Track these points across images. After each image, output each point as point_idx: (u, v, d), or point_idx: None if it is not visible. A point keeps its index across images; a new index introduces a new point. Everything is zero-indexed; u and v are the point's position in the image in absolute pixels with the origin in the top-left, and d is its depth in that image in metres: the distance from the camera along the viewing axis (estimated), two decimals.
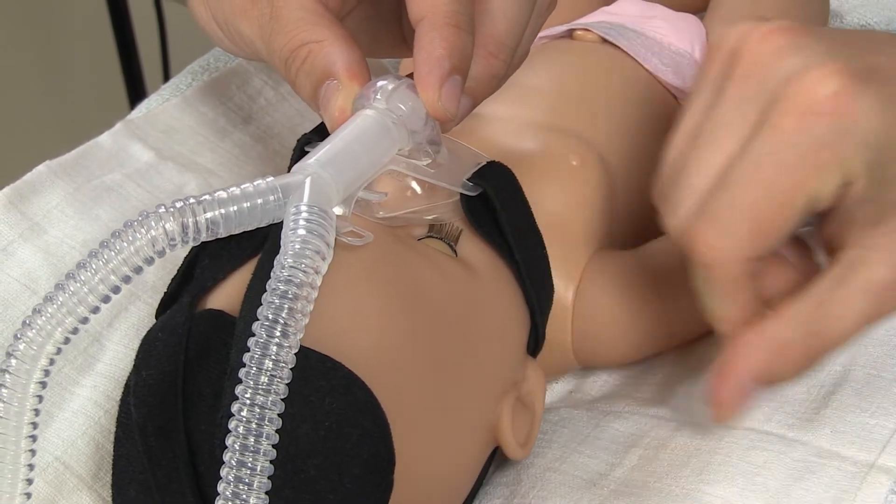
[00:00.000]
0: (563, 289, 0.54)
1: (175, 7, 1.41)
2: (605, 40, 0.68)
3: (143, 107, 0.78)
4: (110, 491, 0.49)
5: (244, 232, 0.44)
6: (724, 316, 0.45)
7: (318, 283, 0.38)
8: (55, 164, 0.66)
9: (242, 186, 0.40)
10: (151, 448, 0.42)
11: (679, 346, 0.59)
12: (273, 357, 0.36)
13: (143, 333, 0.57)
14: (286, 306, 0.36)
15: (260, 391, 0.35)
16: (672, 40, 0.69)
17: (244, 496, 0.35)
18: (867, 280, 0.42)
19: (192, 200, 0.39)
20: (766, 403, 0.51)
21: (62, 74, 1.81)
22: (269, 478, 0.36)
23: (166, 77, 1.43)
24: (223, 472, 0.35)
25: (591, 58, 0.67)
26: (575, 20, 0.72)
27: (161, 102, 0.77)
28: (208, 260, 0.46)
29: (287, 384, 0.36)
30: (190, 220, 0.38)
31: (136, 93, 1.46)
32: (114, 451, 0.45)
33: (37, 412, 0.39)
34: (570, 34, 0.71)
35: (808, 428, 0.48)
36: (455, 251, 0.50)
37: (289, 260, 0.37)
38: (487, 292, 0.50)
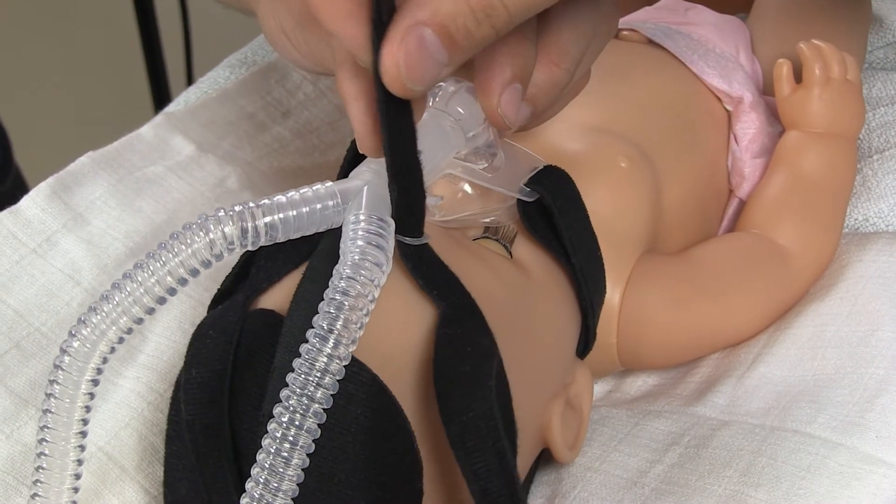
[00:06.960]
0: (610, 291, 0.54)
1: (199, 1, 1.41)
2: (650, 41, 0.68)
3: (181, 99, 0.78)
4: (153, 482, 0.50)
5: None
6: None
7: (376, 294, 0.37)
8: (98, 156, 0.66)
9: (301, 191, 0.39)
10: (199, 446, 0.42)
11: (724, 348, 0.59)
12: (322, 367, 0.35)
13: (186, 326, 0.58)
14: (342, 317, 0.36)
15: (304, 399, 0.35)
16: (716, 43, 0.69)
17: (268, 499, 0.35)
18: None
19: (251, 204, 0.38)
20: (809, 405, 0.50)
21: (85, 67, 1.81)
22: (299, 484, 0.35)
23: (189, 69, 1.43)
24: (253, 471, 0.35)
25: (638, 59, 0.66)
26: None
27: (200, 95, 0.77)
28: (264, 260, 0.46)
29: (332, 395, 0.36)
30: (249, 224, 0.38)
31: (160, 88, 1.45)
32: (165, 448, 0.45)
33: (87, 409, 0.39)
34: (616, 34, 0.70)
35: (853, 431, 0.48)
36: (510, 252, 0.50)
37: (347, 270, 0.36)
38: (541, 294, 0.50)
